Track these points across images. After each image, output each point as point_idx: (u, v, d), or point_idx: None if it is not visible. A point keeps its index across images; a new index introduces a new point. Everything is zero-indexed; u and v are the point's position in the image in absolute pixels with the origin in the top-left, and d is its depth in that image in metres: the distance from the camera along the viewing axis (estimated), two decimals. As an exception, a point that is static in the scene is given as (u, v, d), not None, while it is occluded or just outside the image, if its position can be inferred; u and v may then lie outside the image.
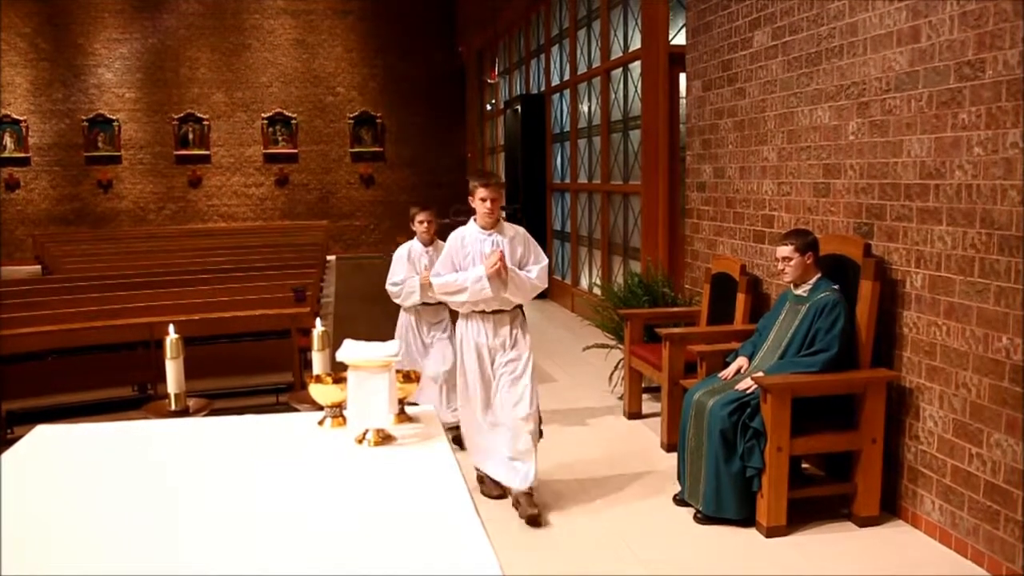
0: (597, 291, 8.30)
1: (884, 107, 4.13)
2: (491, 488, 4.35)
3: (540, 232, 10.62)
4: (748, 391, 4.00)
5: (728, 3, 5.65)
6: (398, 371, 2.56)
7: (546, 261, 4.25)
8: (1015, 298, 3.38)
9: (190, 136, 16.95)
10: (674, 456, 4.48)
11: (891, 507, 4.11)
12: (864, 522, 4.02)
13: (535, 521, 4.04)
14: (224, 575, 1.67)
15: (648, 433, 5.47)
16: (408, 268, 5.24)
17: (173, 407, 2.97)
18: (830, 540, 3.89)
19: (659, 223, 7.77)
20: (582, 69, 9.88)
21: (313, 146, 17.41)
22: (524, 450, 4.10)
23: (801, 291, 4.18)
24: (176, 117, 16.84)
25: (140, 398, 5.71)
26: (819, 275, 4.16)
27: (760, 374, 4.03)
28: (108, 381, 5.67)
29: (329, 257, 14.67)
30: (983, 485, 3.57)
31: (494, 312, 4.16)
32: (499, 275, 4.01)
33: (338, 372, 2.58)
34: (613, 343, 6.43)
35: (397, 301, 5.31)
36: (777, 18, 5.05)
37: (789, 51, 4.93)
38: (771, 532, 3.91)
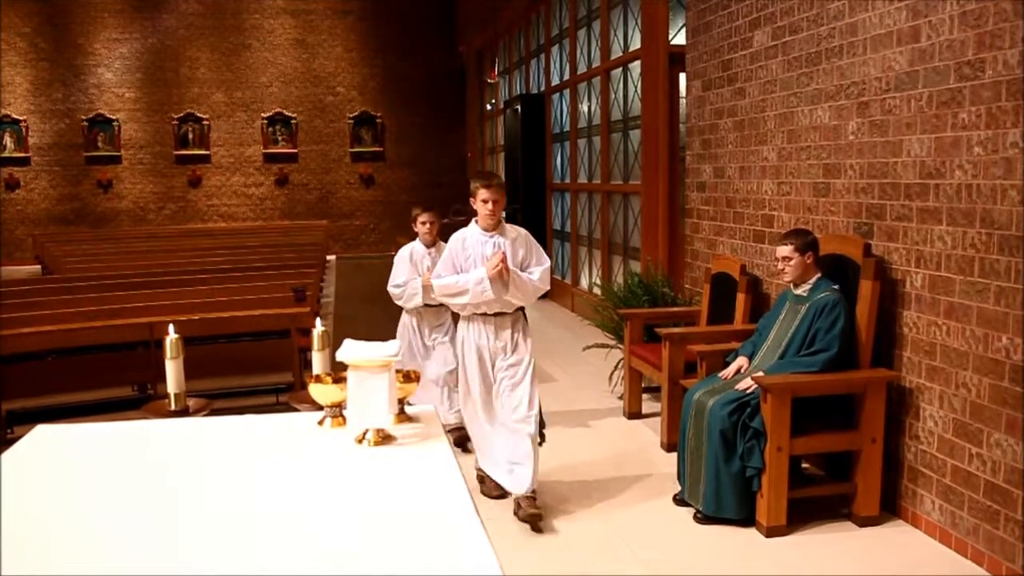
0: (597, 291, 8.29)
1: (884, 107, 4.13)
2: (491, 488, 4.35)
3: (540, 232, 10.62)
4: (748, 391, 4.00)
5: (728, 3, 5.65)
6: (398, 371, 2.56)
7: (548, 263, 4.21)
8: (1015, 298, 3.38)
9: (190, 136, 16.95)
10: (674, 456, 4.48)
11: (891, 507, 4.11)
12: (864, 522, 4.02)
13: (535, 521, 4.00)
14: (224, 575, 1.67)
15: (648, 433, 5.47)
16: (410, 270, 5.19)
17: (173, 407, 2.97)
18: (830, 540, 3.89)
19: (659, 223, 7.77)
20: (582, 69, 9.88)
21: (313, 146, 17.41)
22: (524, 455, 4.05)
23: (801, 291, 4.18)
24: (176, 117, 16.84)
25: (140, 398, 5.71)
26: (819, 275, 4.16)
27: (760, 374, 4.03)
28: (108, 381, 5.67)
29: (329, 257, 14.67)
30: (983, 485, 3.57)
31: (496, 314, 4.12)
32: (501, 277, 3.96)
33: (338, 372, 2.58)
34: (613, 343, 6.43)
35: (399, 303, 5.27)
36: (777, 18, 5.05)
37: (789, 51, 4.93)
38: (771, 532, 3.91)
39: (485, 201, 4.06)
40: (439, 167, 17.68)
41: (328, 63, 17.32)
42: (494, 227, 4.13)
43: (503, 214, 4.23)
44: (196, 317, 5.88)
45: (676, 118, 7.61)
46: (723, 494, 3.98)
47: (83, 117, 16.52)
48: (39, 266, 12.89)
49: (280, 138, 17.28)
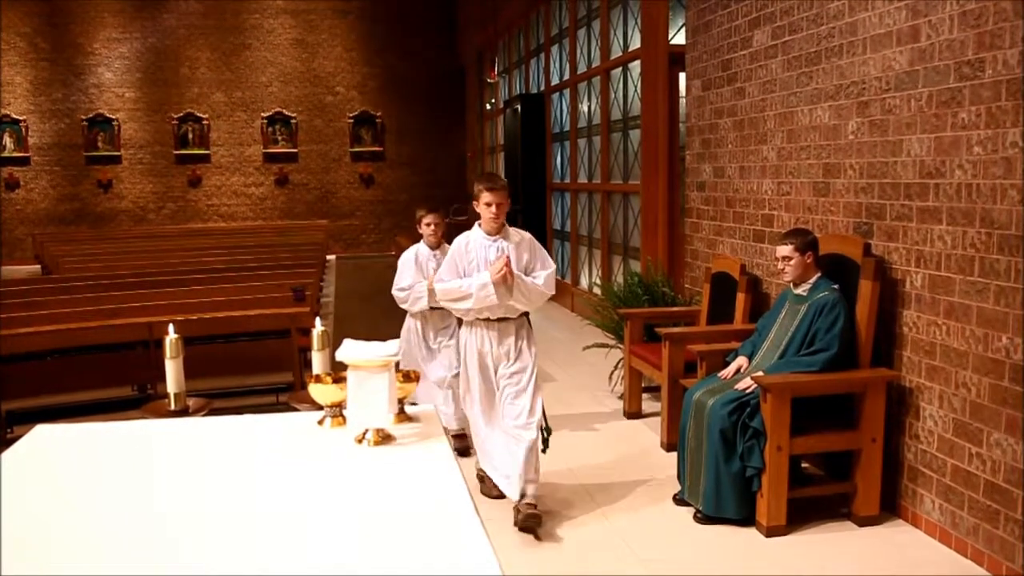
0: (597, 291, 8.29)
1: (884, 106, 4.13)
2: (491, 488, 4.33)
3: (540, 232, 10.62)
4: (748, 390, 4.00)
5: (728, 3, 5.65)
6: (398, 371, 2.56)
7: (553, 267, 4.10)
8: (1015, 297, 3.38)
9: (190, 136, 16.96)
10: (674, 456, 4.48)
11: (891, 507, 4.11)
12: (864, 521, 4.02)
13: (534, 527, 3.92)
14: (224, 575, 1.66)
15: (648, 433, 5.47)
16: (415, 272, 5.08)
17: (173, 407, 2.97)
18: (830, 540, 3.89)
19: (659, 223, 7.77)
20: (582, 68, 9.88)
21: (313, 145, 17.41)
22: (524, 463, 3.96)
23: (801, 290, 4.18)
24: (176, 117, 16.84)
25: (140, 398, 5.70)
26: (819, 274, 4.16)
27: (760, 374, 4.03)
28: (108, 381, 5.66)
29: (329, 257, 14.67)
30: (983, 484, 3.57)
31: (499, 320, 4.04)
32: (505, 281, 3.87)
33: (338, 372, 2.58)
34: (613, 343, 6.43)
35: (404, 307, 5.16)
36: (777, 17, 5.05)
37: (789, 51, 4.93)
38: (771, 532, 3.91)
39: (489, 204, 3.97)
40: (439, 167, 17.69)
41: (328, 63, 17.32)
42: (498, 230, 4.04)
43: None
44: (195, 317, 5.88)
45: (676, 118, 7.61)
46: (723, 494, 3.98)
47: (83, 117, 16.53)
48: (39, 266, 12.90)
49: (280, 138, 17.29)
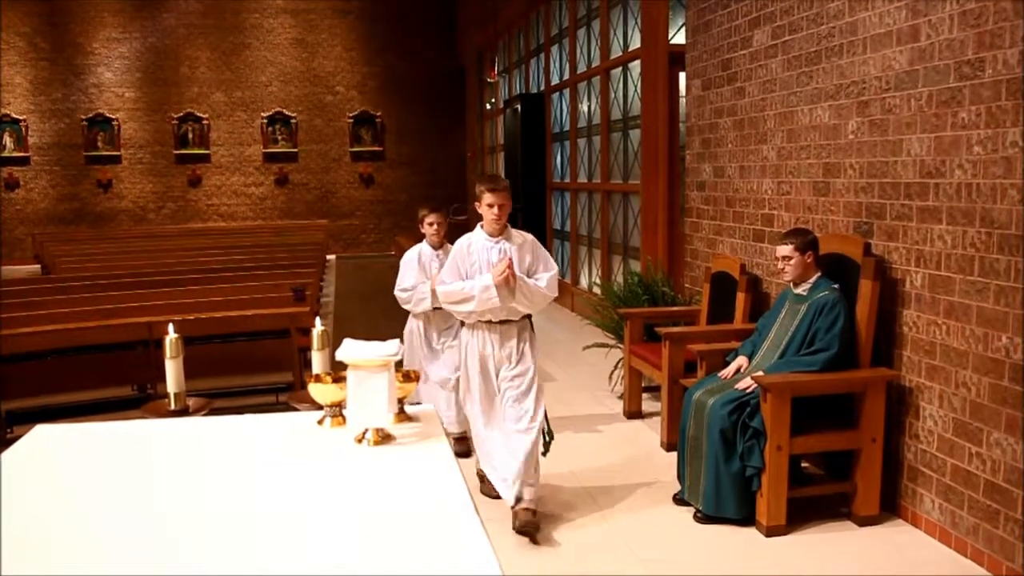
0: (597, 290, 8.30)
1: (884, 106, 4.13)
2: (491, 488, 4.31)
3: (540, 232, 10.62)
4: (748, 390, 4.00)
5: (728, 2, 5.65)
6: (398, 370, 2.56)
7: (556, 269, 4.07)
8: (1015, 297, 3.38)
9: (190, 135, 16.96)
10: (674, 455, 4.48)
11: (891, 506, 4.11)
12: (864, 521, 4.02)
13: (532, 533, 3.89)
14: (224, 575, 1.66)
15: (648, 432, 5.47)
16: (418, 273, 5.02)
17: (173, 407, 2.97)
18: (830, 539, 3.89)
19: (659, 222, 7.77)
20: (582, 68, 9.88)
21: (313, 145, 17.41)
22: (523, 467, 3.94)
23: (801, 290, 4.18)
24: (176, 116, 16.84)
25: (140, 398, 5.70)
26: (819, 274, 4.16)
27: (760, 373, 4.03)
28: (107, 381, 5.66)
29: (329, 256, 14.67)
30: (983, 484, 3.57)
31: (501, 322, 4.00)
32: (507, 284, 3.83)
33: (338, 371, 2.58)
34: (613, 342, 6.43)
35: (407, 307, 5.10)
36: (777, 17, 5.05)
37: (789, 50, 4.93)
38: (771, 531, 3.91)
39: (491, 205, 3.94)
40: (439, 167, 17.69)
41: (328, 62, 17.32)
42: (500, 232, 4.00)
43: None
44: (195, 317, 5.88)
45: (676, 117, 7.61)
46: (723, 493, 3.98)
47: (83, 117, 16.53)
48: (39, 266, 12.90)
49: (280, 137, 17.29)
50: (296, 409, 3.05)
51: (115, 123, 16.65)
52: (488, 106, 15.41)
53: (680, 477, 4.27)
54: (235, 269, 8.26)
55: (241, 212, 17.28)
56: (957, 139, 3.67)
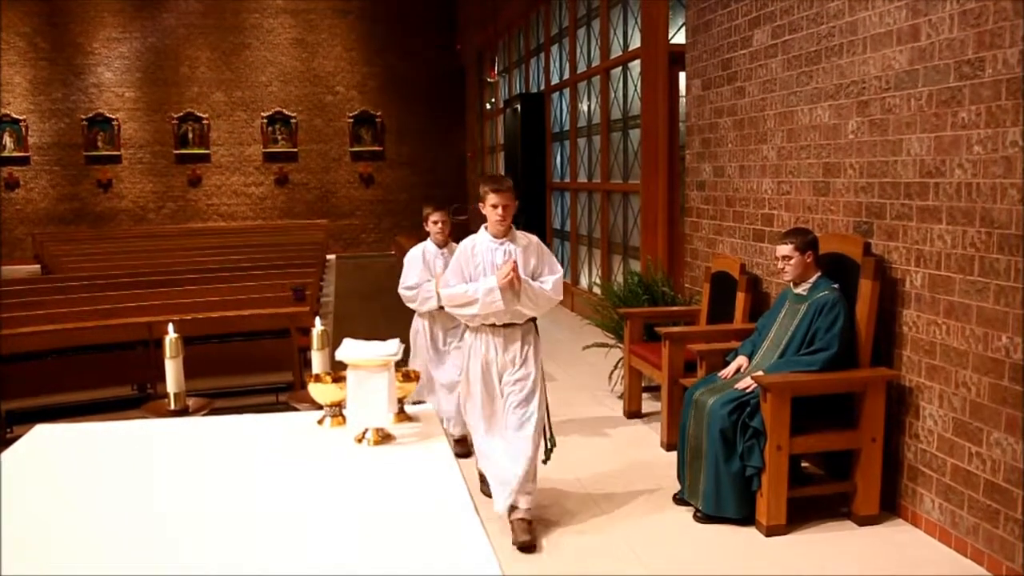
0: (597, 290, 8.30)
1: (884, 106, 4.13)
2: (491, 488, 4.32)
3: (540, 232, 10.62)
4: (748, 390, 4.00)
5: (728, 2, 5.65)
6: (397, 370, 2.56)
7: (561, 272, 4.00)
8: (1015, 297, 3.38)
9: (190, 135, 16.96)
10: (674, 455, 4.48)
11: (891, 506, 4.11)
12: (864, 521, 4.02)
13: (527, 541, 3.83)
14: (224, 575, 1.66)
15: (648, 432, 5.47)
16: (423, 271, 4.99)
17: (172, 406, 2.97)
18: (830, 539, 3.89)
19: (659, 222, 7.77)
20: (582, 68, 9.88)
21: (313, 145, 17.42)
22: (523, 478, 3.87)
23: (801, 290, 4.17)
24: (176, 116, 16.84)
25: (139, 397, 5.70)
26: (819, 274, 4.16)
27: (760, 373, 4.03)
28: (107, 380, 5.66)
29: (329, 256, 14.68)
30: (983, 484, 3.57)
31: (505, 325, 3.93)
32: (512, 287, 3.75)
33: (337, 371, 2.58)
34: (613, 342, 6.42)
35: (412, 306, 5.05)
36: (777, 17, 5.05)
37: (789, 50, 4.93)
38: (771, 531, 3.91)
39: (495, 206, 3.86)
40: (439, 166, 17.69)
41: (328, 62, 17.32)
42: (504, 233, 3.93)
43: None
44: (195, 317, 5.88)
45: (676, 117, 7.61)
46: (723, 493, 3.98)
47: (83, 116, 16.53)
48: (39, 266, 12.90)
49: (280, 137, 17.29)
50: (296, 409, 3.05)
51: (115, 123, 16.65)
52: (488, 106, 15.41)
53: (680, 477, 4.27)
54: (235, 269, 8.26)
55: (241, 212, 17.28)
56: (957, 139, 3.67)
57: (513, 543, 3.83)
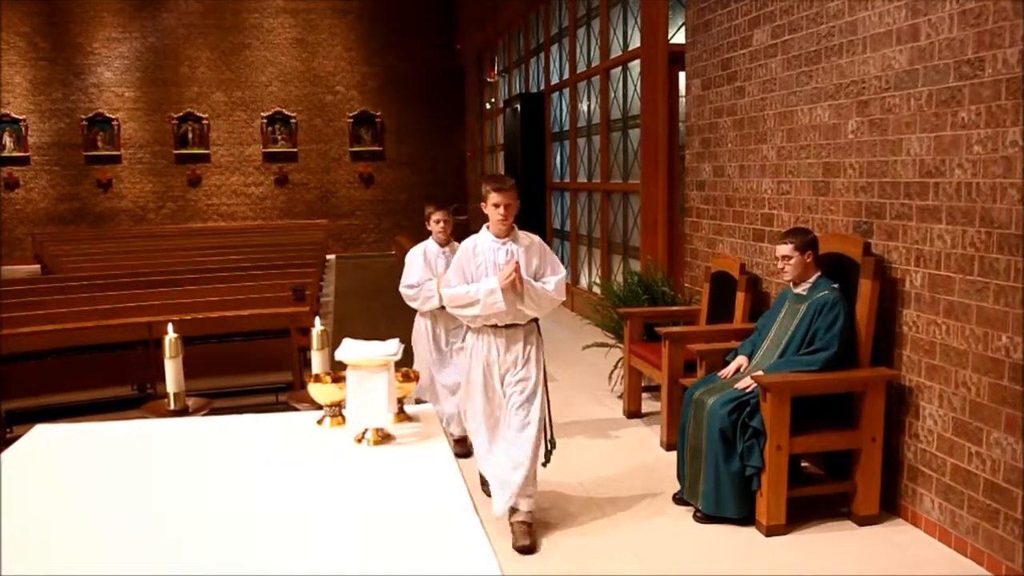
0: (597, 290, 8.30)
1: (884, 105, 4.13)
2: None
3: (540, 232, 10.60)
4: (748, 390, 4.00)
5: (728, 2, 5.65)
6: (397, 370, 2.56)
7: (564, 272, 3.95)
8: (1015, 297, 3.38)
9: (189, 135, 16.96)
10: (674, 455, 4.48)
11: (891, 506, 4.11)
12: (864, 521, 4.02)
13: (526, 543, 3.82)
14: (223, 575, 1.66)
15: (648, 432, 5.47)
16: (424, 270, 4.97)
17: (172, 406, 2.97)
18: (830, 539, 3.89)
19: (658, 222, 7.77)
20: (581, 68, 9.88)
21: (312, 145, 17.41)
22: (523, 481, 3.86)
23: (801, 290, 4.17)
24: (175, 116, 16.84)
25: (139, 397, 5.70)
26: (819, 274, 4.15)
27: (760, 373, 4.03)
28: (107, 380, 5.66)
29: (328, 256, 14.68)
30: (983, 484, 3.57)
31: (507, 326, 3.89)
32: (514, 287, 3.72)
33: (337, 371, 2.58)
34: (613, 342, 6.42)
35: (413, 305, 5.02)
36: (776, 17, 5.05)
37: (788, 50, 4.93)
38: (771, 531, 3.91)
39: (497, 205, 3.82)
40: (439, 166, 17.69)
41: (328, 62, 17.32)
42: (507, 233, 3.89)
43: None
44: (195, 317, 5.88)
45: (676, 117, 7.61)
46: (723, 493, 3.98)
47: (82, 116, 16.53)
48: (38, 266, 12.90)
49: (280, 137, 17.29)
50: (296, 409, 3.05)
51: (115, 123, 16.65)
52: (488, 106, 15.41)
53: (680, 477, 4.27)
54: (234, 269, 8.25)
55: (241, 212, 17.28)
56: (957, 138, 3.67)
57: (513, 546, 3.82)
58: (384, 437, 2.42)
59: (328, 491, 2.10)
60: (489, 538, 1.79)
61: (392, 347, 2.47)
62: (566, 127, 10.66)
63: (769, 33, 5.14)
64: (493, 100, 14.95)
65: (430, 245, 5.06)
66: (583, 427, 5.58)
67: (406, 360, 2.56)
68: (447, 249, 5.00)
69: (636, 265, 7.91)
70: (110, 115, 16.62)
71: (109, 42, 16.54)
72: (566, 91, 10.52)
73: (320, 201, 17.51)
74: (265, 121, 17.14)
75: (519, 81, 13.07)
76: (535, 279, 3.88)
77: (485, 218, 3.98)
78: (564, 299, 4.03)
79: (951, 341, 3.74)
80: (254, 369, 5.86)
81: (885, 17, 4.09)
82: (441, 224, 5.03)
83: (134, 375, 5.87)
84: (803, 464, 4.57)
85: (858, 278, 4.15)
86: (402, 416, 2.61)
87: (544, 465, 4.06)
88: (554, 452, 4.13)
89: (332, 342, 2.84)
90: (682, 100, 7.34)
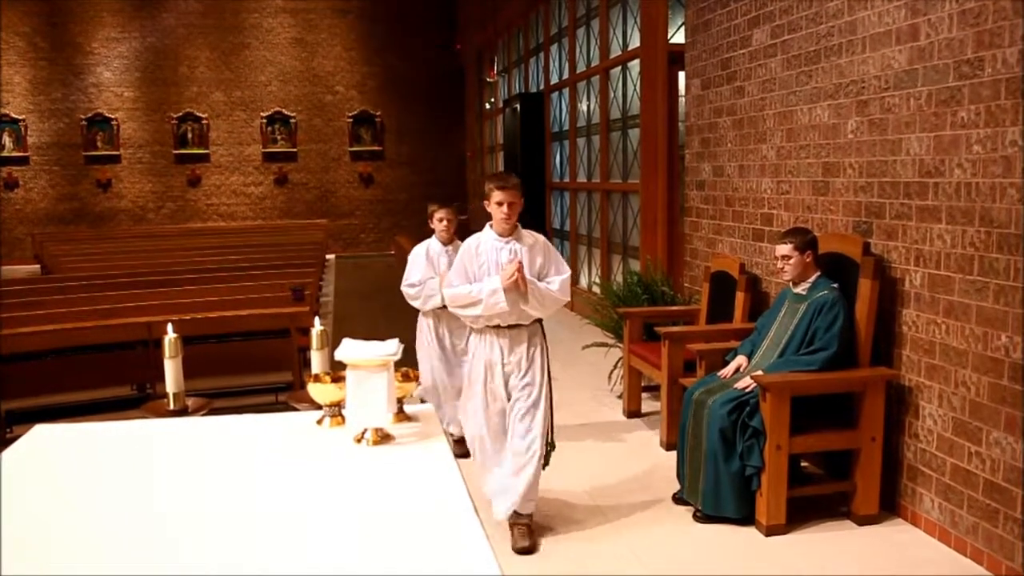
0: (596, 290, 8.30)
1: (883, 105, 4.13)
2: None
3: (539, 231, 10.60)
4: (747, 390, 4.00)
5: (727, 1, 5.65)
6: (397, 370, 2.56)
7: (568, 272, 3.89)
8: (1014, 296, 3.38)
9: (189, 135, 16.95)
10: (673, 455, 4.48)
11: (890, 506, 4.11)
12: (863, 520, 4.02)
13: (526, 545, 3.81)
14: (223, 575, 1.66)
15: (647, 432, 5.47)
16: (427, 268, 4.94)
17: (172, 406, 2.97)
18: (829, 539, 3.89)
19: (658, 222, 7.77)
20: (581, 68, 9.88)
21: (312, 145, 17.41)
22: (526, 489, 3.82)
23: (800, 289, 4.18)
24: (175, 116, 16.84)
25: (139, 397, 5.70)
26: (818, 273, 4.16)
27: (759, 373, 4.03)
28: (107, 380, 5.66)
29: (328, 256, 14.67)
30: (982, 483, 3.57)
31: (510, 327, 3.83)
32: (517, 287, 3.67)
33: (337, 371, 2.58)
34: (612, 342, 6.42)
35: (415, 304, 4.99)
36: (776, 16, 5.05)
37: (788, 49, 4.93)
38: (770, 531, 3.91)
39: (500, 204, 3.76)
40: (438, 166, 17.68)
41: (327, 62, 17.32)
42: (510, 232, 3.84)
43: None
44: (194, 316, 5.88)
45: (675, 117, 7.61)
46: (722, 493, 3.98)
47: (82, 116, 16.52)
48: (38, 266, 12.90)
49: (279, 137, 17.28)
50: (295, 409, 3.04)
51: (114, 123, 16.65)
52: (488, 106, 15.41)
53: (680, 476, 4.27)
54: (234, 269, 8.25)
55: (240, 212, 17.27)
56: (956, 138, 3.67)
57: (512, 548, 3.81)
58: (384, 437, 2.42)
59: (328, 491, 2.10)
60: (489, 538, 1.79)
61: (392, 347, 2.47)
62: (566, 127, 10.66)
63: (768, 33, 5.14)
64: (493, 100, 14.95)
65: (433, 244, 5.04)
66: (583, 427, 5.58)
67: (406, 360, 2.56)
68: (450, 248, 4.97)
69: (636, 265, 7.91)
70: (109, 115, 16.62)
71: (108, 42, 16.54)
72: (566, 91, 10.52)
73: (320, 201, 17.51)
74: (265, 121, 17.14)
75: (519, 81, 13.07)
76: (539, 279, 3.83)
77: (486, 217, 3.94)
78: (569, 299, 3.99)
79: (951, 341, 3.74)
80: (254, 369, 5.86)
81: (884, 17, 4.09)
82: (444, 222, 5.01)
83: (134, 375, 5.87)
84: (803, 464, 4.57)
85: (858, 278, 4.15)
86: (402, 416, 2.61)
87: (543, 467, 4.05)
88: (553, 453, 4.12)
89: (332, 342, 2.84)
90: (682, 100, 7.33)
